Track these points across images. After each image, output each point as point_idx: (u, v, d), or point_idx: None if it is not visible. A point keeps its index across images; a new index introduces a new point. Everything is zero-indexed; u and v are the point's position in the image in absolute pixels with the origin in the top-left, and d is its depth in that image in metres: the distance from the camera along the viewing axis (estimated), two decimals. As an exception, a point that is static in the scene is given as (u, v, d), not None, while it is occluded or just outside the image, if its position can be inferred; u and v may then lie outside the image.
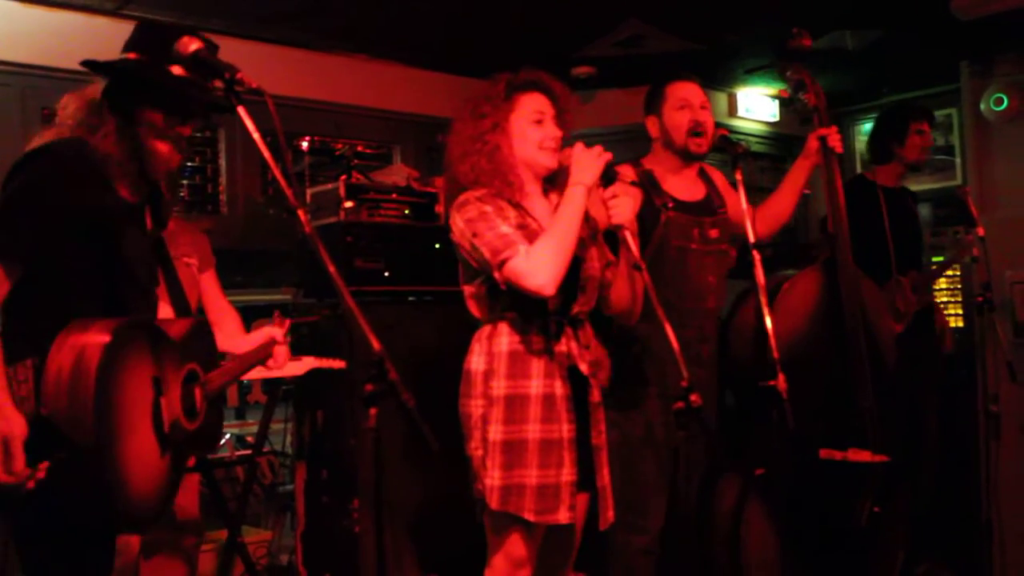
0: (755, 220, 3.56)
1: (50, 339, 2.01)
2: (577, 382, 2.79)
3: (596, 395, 2.86)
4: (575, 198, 2.70)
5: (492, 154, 2.81)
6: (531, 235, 2.73)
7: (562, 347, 2.78)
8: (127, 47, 2.31)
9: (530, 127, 2.85)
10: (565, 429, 2.73)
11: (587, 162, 2.73)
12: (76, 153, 2.18)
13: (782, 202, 3.66)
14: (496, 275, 2.68)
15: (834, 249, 3.48)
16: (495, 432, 2.71)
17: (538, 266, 2.62)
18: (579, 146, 2.79)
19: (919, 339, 4.30)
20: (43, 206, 2.10)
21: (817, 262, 3.52)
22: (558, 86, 2.96)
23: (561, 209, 2.72)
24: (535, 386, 2.73)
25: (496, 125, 2.83)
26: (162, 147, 2.26)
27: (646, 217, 3.37)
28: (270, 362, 2.80)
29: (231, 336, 3.54)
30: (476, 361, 2.81)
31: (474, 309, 2.86)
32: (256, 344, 2.74)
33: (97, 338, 2.00)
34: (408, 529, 3.86)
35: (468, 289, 2.87)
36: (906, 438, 4.05)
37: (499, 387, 2.74)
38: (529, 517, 2.68)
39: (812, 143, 3.55)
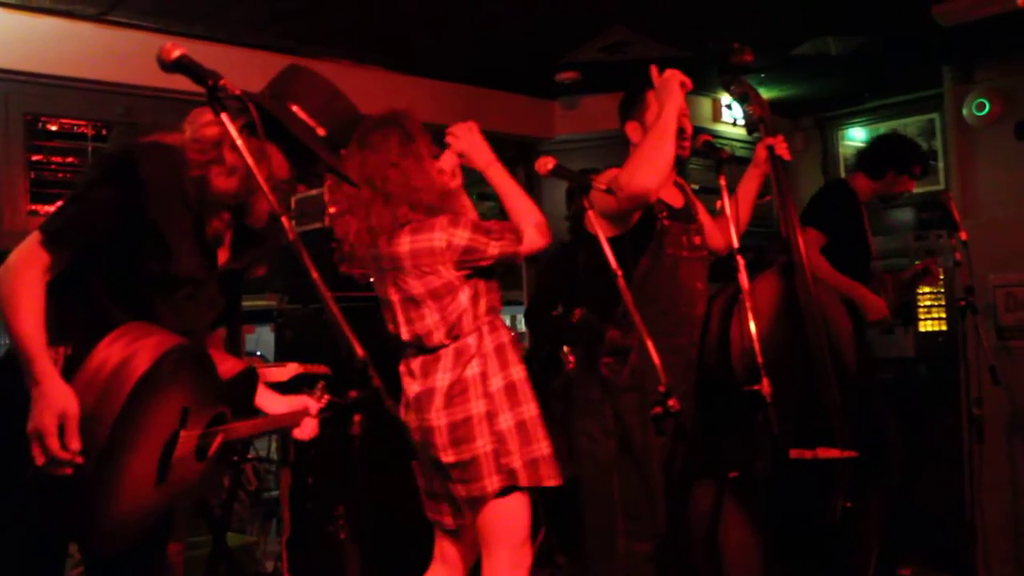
0: (714, 231, 3.61)
1: (83, 334, 1.96)
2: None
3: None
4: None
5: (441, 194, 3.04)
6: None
7: (508, 336, 3.07)
8: (277, 87, 2.27)
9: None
10: (532, 407, 3.01)
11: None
12: (173, 166, 2.09)
13: (740, 212, 3.68)
14: (515, 247, 2.99)
15: (789, 253, 3.51)
16: (505, 420, 2.91)
17: (530, 237, 3.03)
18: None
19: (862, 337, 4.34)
20: (109, 208, 2.03)
21: (774, 266, 3.55)
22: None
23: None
24: (516, 372, 3.00)
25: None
26: (264, 203, 2.15)
27: (642, 224, 3.38)
28: (296, 431, 2.78)
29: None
30: (469, 368, 2.92)
31: (440, 331, 2.94)
32: (291, 409, 2.69)
33: (151, 349, 1.95)
34: (392, 535, 3.85)
35: (451, 306, 2.93)
36: (869, 435, 4.07)
37: (497, 382, 2.94)
38: (552, 483, 2.94)
39: (760, 152, 3.62)
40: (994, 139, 5.28)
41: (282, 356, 4.29)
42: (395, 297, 2.99)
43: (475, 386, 2.91)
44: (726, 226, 3.61)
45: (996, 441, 4.90)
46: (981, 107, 5.26)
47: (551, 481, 2.94)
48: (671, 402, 2.45)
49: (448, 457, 2.88)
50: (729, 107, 6.21)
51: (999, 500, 4.96)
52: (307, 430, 2.76)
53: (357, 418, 1.86)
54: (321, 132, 2.21)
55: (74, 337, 1.98)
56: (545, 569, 4.71)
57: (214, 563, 3.97)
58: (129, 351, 1.93)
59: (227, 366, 2.29)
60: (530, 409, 2.98)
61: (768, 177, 3.64)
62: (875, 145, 4.78)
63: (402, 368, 3.03)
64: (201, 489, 2.39)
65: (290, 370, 3.79)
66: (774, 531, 3.26)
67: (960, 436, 4.99)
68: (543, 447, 2.96)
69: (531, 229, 3.03)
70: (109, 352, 1.93)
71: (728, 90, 3.73)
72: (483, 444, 2.87)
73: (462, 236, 2.89)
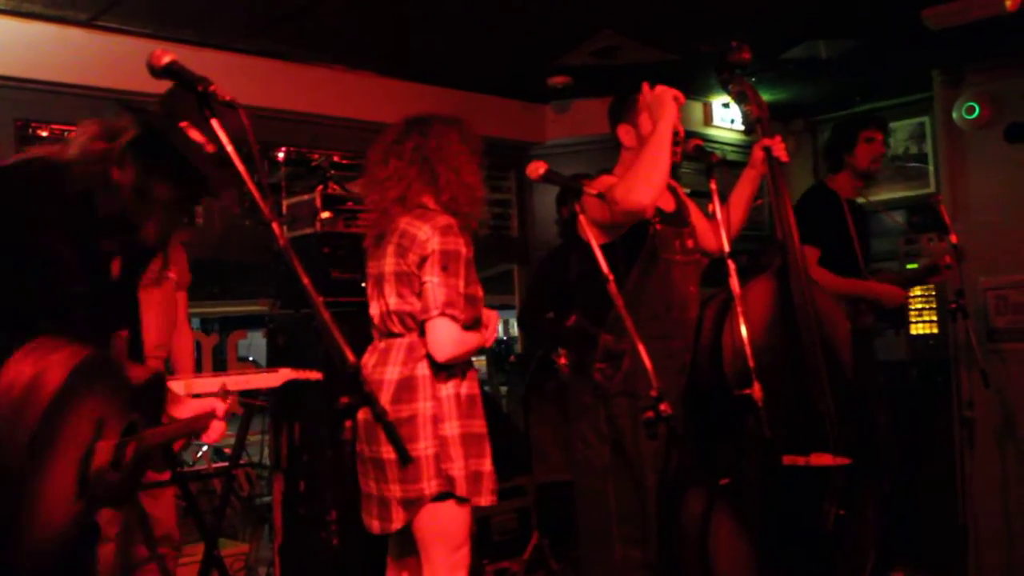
0: (708, 232, 3.60)
1: None
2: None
3: None
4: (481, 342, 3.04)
5: (470, 190, 3.05)
6: (473, 302, 3.00)
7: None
8: (168, 101, 2.15)
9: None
10: (483, 424, 3.05)
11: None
12: (52, 183, 2.03)
13: (735, 213, 3.66)
14: (424, 314, 2.89)
15: (784, 256, 3.50)
16: (451, 428, 2.91)
17: (450, 345, 2.90)
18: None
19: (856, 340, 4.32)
20: None
21: (768, 270, 3.55)
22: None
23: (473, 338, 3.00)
24: (467, 387, 3.01)
25: (470, 171, 3.07)
26: (158, 223, 2.12)
27: (635, 229, 3.39)
28: (204, 435, 2.77)
29: (178, 360, 3.65)
30: (420, 367, 2.93)
31: (394, 317, 2.98)
32: (195, 413, 2.64)
33: (62, 362, 1.88)
34: (385, 540, 3.85)
35: (409, 297, 2.96)
36: (865, 439, 4.07)
37: (448, 388, 2.94)
38: (485, 502, 2.99)
39: (757, 153, 3.58)
40: (984, 142, 5.30)
41: (274, 361, 4.29)
42: (372, 271, 3.08)
43: (424, 387, 2.92)
44: (719, 228, 3.61)
45: (987, 444, 4.91)
46: (971, 110, 5.27)
47: (489, 499, 3.00)
48: (663, 406, 2.44)
49: (389, 453, 2.88)
50: (726, 106, 6.22)
51: (990, 503, 4.97)
52: (214, 433, 2.73)
53: (348, 424, 1.85)
54: (210, 149, 2.08)
55: None
56: (538, 573, 4.71)
57: (206, 570, 3.97)
58: (39, 367, 1.86)
59: (136, 373, 2.25)
60: (479, 425, 3.01)
61: (764, 179, 3.64)
62: (824, 145, 4.84)
63: (365, 354, 3.06)
64: (120, 499, 2.36)
65: (282, 376, 3.79)
66: (766, 537, 3.25)
67: (951, 439, 5.00)
68: (486, 463, 3.00)
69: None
70: (19, 369, 1.85)
71: (726, 89, 3.70)
72: (425, 447, 2.88)
73: (436, 245, 2.89)
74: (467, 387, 3.00)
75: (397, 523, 2.91)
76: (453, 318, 2.87)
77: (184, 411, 2.60)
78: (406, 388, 2.91)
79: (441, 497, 2.87)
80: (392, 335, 2.97)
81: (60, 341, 1.96)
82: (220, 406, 2.72)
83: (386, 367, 2.94)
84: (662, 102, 3.21)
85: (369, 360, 3.00)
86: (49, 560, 1.97)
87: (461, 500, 2.91)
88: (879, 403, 4.56)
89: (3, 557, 1.88)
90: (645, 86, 3.31)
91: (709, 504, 3.25)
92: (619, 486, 3.31)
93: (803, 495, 3.31)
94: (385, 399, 2.89)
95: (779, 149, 3.56)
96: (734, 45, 3.57)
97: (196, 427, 2.63)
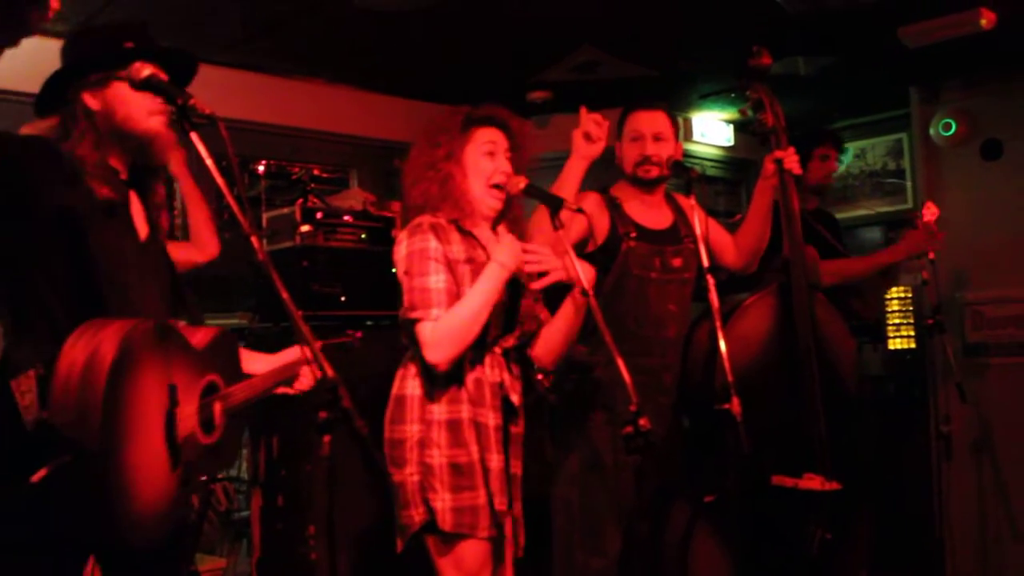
0: (728, 248, 3.59)
1: (49, 349, 1.93)
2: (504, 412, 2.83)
3: (520, 426, 2.89)
4: (492, 277, 2.71)
5: (444, 182, 2.83)
6: (478, 269, 2.76)
7: (495, 377, 2.81)
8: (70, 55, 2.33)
9: (482, 159, 2.85)
10: (496, 459, 2.76)
11: (511, 247, 2.74)
12: (40, 148, 2.11)
13: (752, 228, 3.61)
14: (404, 329, 2.75)
15: (789, 274, 3.46)
16: (438, 456, 2.72)
17: (440, 342, 2.66)
18: (503, 230, 2.84)
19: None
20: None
21: (771, 286, 3.52)
22: (516, 123, 2.96)
23: (477, 285, 2.72)
24: (465, 411, 2.75)
25: (450, 154, 2.85)
26: (149, 122, 2.21)
27: (610, 245, 3.40)
28: (296, 383, 2.70)
29: None
30: (411, 385, 2.81)
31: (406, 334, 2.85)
32: (284, 363, 2.62)
33: (113, 335, 1.90)
34: (363, 556, 3.83)
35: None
36: (857, 457, 4.08)
37: (439, 411, 2.75)
38: (484, 535, 2.70)
39: (768, 165, 3.51)
40: (961, 159, 5.35)
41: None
42: None
43: (412, 408, 2.78)
44: (742, 242, 3.59)
45: (964, 458, 4.94)
46: (948, 127, 5.32)
47: (482, 532, 2.70)
48: (642, 421, 2.44)
49: (394, 476, 2.78)
50: (729, 122, 6.27)
51: (967, 516, 5.00)
52: (306, 380, 2.68)
53: (327, 439, 1.84)
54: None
55: (42, 357, 1.95)
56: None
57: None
58: (92, 345, 1.89)
59: (199, 336, 2.25)
60: (469, 453, 2.72)
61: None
62: None
63: None
64: (224, 461, 2.37)
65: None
66: (749, 557, 3.25)
67: (928, 453, 5.03)
68: (479, 496, 2.71)
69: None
70: (73, 354, 1.89)
71: (744, 96, 3.64)
72: (411, 472, 2.73)
73: (403, 251, 2.81)
74: (467, 411, 2.75)
75: (399, 546, 2.80)
76: (422, 319, 2.69)
77: (263, 365, 2.57)
78: (398, 408, 2.81)
79: (427, 528, 2.71)
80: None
81: (109, 319, 1.97)
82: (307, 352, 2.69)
83: (396, 380, 2.87)
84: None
85: None
86: (160, 531, 2.01)
87: (446, 535, 2.71)
88: (870, 422, 4.56)
89: (108, 536, 1.91)
90: (583, 110, 3.18)
91: (692, 521, 3.25)
92: (585, 496, 3.32)
93: (790, 516, 3.31)
94: (387, 417, 2.82)
95: (791, 161, 3.50)
96: (755, 50, 3.52)
97: (285, 376, 2.60)
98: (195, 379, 2.17)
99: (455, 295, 2.73)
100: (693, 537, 3.24)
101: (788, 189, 3.51)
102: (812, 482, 3.21)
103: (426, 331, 2.68)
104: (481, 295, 2.69)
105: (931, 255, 4.29)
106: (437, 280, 2.72)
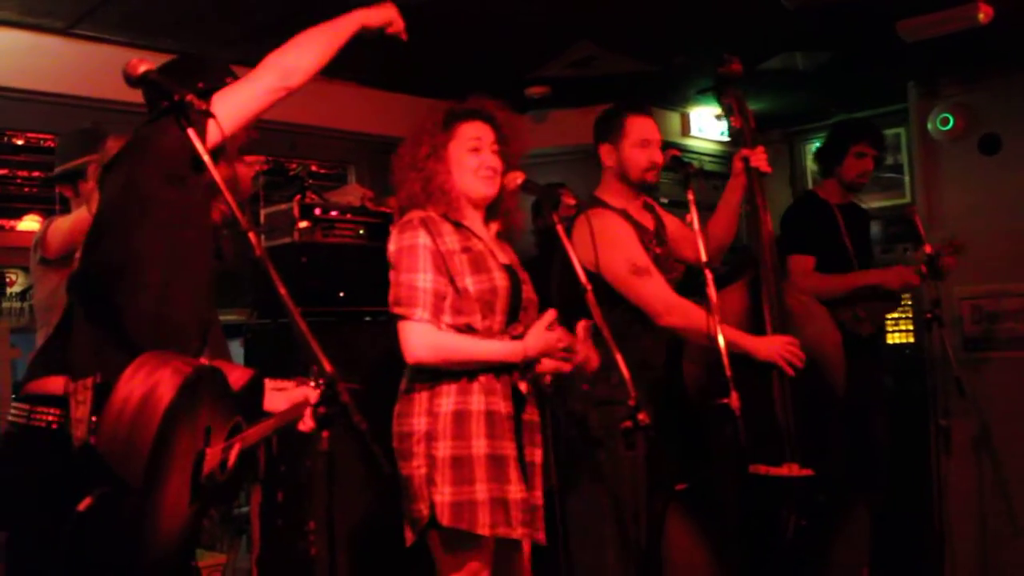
0: (684, 242, 3.63)
1: (110, 359, 1.97)
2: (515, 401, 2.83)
3: (532, 414, 2.87)
4: (510, 352, 2.74)
5: (427, 181, 2.83)
6: (476, 257, 2.77)
7: (504, 366, 2.79)
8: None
9: (467, 155, 2.86)
10: (509, 447, 2.74)
11: (546, 341, 2.74)
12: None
13: (720, 224, 3.72)
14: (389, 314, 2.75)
15: (756, 268, 3.52)
16: (443, 448, 2.70)
17: (426, 353, 2.71)
18: (550, 318, 2.77)
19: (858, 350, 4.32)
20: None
21: (740, 281, 3.56)
22: (502, 115, 2.95)
23: (493, 344, 2.75)
24: (476, 402, 2.73)
25: (433, 152, 2.85)
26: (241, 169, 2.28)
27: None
28: (300, 424, 2.74)
29: None
30: (420, 378, 2.79)
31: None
32: (292, 403, 2.62)
33: (171, 378, 1.95)
34: (363, 551, 3.83)
35: None
36: (857, 452, 4.08)
37: (447, 404, 2.73)
38: (483, 532, 2.67)
39: (737, 164, 3.62)
40: (959, 153, 5.35)
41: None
42: None
43: (420, 401, 2.77)
44: (709, 237, 3.64)
45: (963, 452, 4.94)
46: (945, 122, 5.33)
47: (480, 529, 2.66)
48: (641, 416, 2.44)
49: (402, 468, 2.78)
50: (720, 118, 6.23)
51: (966, 510, 5.00)
52: (310, 421, 2.71)
53: (325, 434, 1.84)
54: None
55: (102, 366, 1.99)
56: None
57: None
58: (151, 383, 1.92)
59: (235, 376, 2.29)
60: (478, 447, 2.70)
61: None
62: (819, 146, 4.82)
63: None
64: (229, 498, 2.43)
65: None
66: (730, 545, 3.26)
67: (927, 447, 5.03)
68: (480, 490, 2.68)
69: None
70: (131, 386, 1.92)
71: (719, 102, 3.75)
72: (419, 465, 2.72)
73: (392, 247, 2.82)
74: (478, 402, 2.73)
75: (408, 540, 2.78)
76: (407, 317, 2.70)
77: (276, 404, 2.60)
78: (406, 402, 2.81)
79: (433, 522, 2.69)
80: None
81: (166, 355, 2.01)
82: (312, 393, 2.70)
83: (403, 378, 2.86)
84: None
85: None
86: (168, 566, 2.05)
87: (447, 530, 2.68)
88: (878, 414, 4.56)
89: (130, 566, 1.94)
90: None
91: (662, 511, 3.27)
92: (588, 493, 3.33)
93: (766, 503, 3.32)
94: (395, 411, 2.83)
95: (758, 160, 3.58)
96: (725, 57, 3.60)
97: (292, 417, 2.61)
98: (226, 420, 2.21)
99: (442, 296, 2.74)
100: (667, 524, 3.26)
101: (754, 187, 3.59)
102: (784, 469, 3.24)
103: (409, 331, 2.71)
104: (489, 354, 2.74)
105: (928, 249, 4.29)
106: (424, 279, 2.72)
